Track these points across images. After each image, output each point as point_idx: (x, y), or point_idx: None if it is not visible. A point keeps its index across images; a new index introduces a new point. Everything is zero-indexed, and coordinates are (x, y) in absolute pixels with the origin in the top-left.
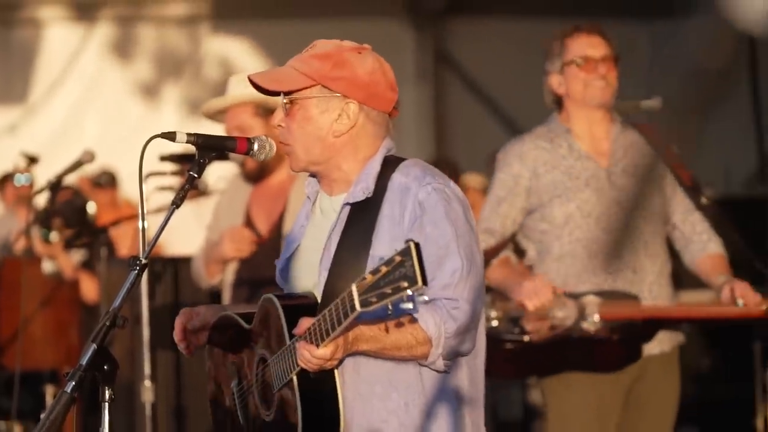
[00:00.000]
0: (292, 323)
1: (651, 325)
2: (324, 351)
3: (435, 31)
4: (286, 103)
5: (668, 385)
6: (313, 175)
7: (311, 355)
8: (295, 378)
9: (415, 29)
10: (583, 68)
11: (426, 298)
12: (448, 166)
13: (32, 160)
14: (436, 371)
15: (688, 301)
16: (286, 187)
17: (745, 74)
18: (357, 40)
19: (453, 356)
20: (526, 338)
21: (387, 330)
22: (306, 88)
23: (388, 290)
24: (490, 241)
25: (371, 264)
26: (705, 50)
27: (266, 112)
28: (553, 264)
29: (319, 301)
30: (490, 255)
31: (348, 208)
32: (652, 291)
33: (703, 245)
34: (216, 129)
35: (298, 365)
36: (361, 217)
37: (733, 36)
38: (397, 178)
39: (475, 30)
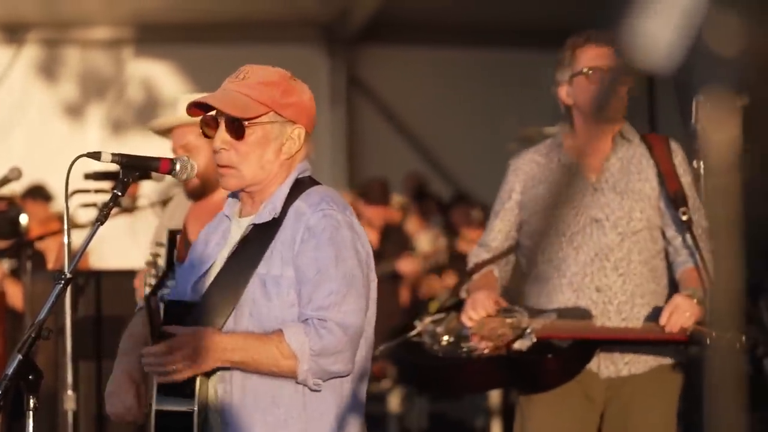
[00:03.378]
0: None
1: (586, 345)
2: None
3: (348, 58)
4: (238, 127)
5: (646, 409)
6: (233, 195)
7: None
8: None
9: (329, 55)
10: (592, 80)
11: None
12: (381, 186)
13: None
14: (311, 389)
15: None
16: None
17: (643, 111)
18: (275, 64)
19: (326, 376)
20: (474, 354)
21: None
22: (262, 114)
23: None
24: (483, 255)
25: (253, 282)
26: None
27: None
28: (528, 284)
29: None
30: (479, 268)
31: (252, 227)
32: (622, 312)
33: (683, 260)
34: (142, 148)
35: None
36: (260, 237)
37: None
38: (297, 204)
39: (387, 57)
